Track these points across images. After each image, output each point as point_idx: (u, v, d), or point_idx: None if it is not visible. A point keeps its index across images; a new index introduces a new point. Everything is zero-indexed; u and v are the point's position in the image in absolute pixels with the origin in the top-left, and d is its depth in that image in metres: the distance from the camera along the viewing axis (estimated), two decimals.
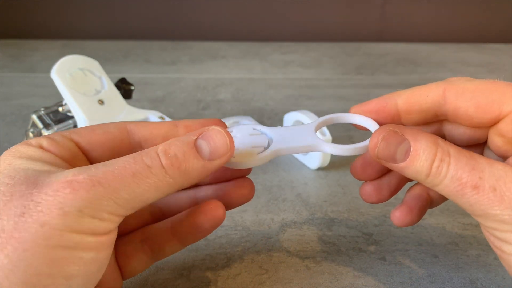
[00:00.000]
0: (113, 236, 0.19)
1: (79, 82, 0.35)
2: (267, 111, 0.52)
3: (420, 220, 0.32)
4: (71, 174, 0.17)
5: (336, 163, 0.40)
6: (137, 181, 0.18)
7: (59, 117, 0.36)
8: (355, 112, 0.24)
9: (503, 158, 0.22)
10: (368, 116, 0.23)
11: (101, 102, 0.35)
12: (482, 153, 0.24)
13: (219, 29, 0.81)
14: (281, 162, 0.40)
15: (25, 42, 0.77)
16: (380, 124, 0.23)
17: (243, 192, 0.24)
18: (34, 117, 0.36)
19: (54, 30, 0.80)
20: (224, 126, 0.22)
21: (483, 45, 0.82)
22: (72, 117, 0.36)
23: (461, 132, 0.23)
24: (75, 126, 0.36)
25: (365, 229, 0.31)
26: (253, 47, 0.77)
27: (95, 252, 0.18)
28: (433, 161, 0.19)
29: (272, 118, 0.49)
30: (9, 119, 0.48)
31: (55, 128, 0.36)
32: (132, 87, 0.41)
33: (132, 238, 0.24)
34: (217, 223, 0.23)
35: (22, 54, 0.71)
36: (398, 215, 0.25)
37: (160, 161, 0.19)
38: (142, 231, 0.24)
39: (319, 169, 0.39)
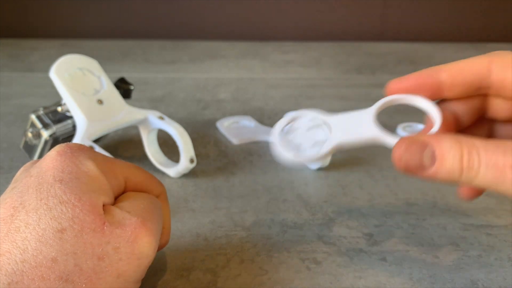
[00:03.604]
0: None
1: (78, 82, 0.35)
2: (267, 111, 0.51)
3: (421, 220, 0.32)
4: (140, 221, 0.20)
5: (336, 163, 0.39)
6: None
7: (58, 117, 0.36)
8: (394, 88, 0.24)
9: None
10: (409, 91, 0.24)
11: (100, 102, 0.35)
12: None
13: (219, 28, 0.81)
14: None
15: (24, 41, 0.77)
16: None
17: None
18: (33, 117, 0.36)
19: (53, 30, 0.79)
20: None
21: (483, 45, 0.82)
22: (71, 117, 0.36)
23: (503, 106, 0.24)
24: (74, 126, 0.36)
25: (366, 230, 0.31)
26: (253, 47, 0.76)
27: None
28: (461, 156, 0.19)
29: (272, 118, 0.49)
30: (8, 119, 0.48)
31: (54, 128, 0.35)
32: (132, 87, 0.41)
33: None
34: None
35: (21, 53, 0.71)
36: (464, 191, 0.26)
37: None
38: None
39: (319, 169, 0.39)
